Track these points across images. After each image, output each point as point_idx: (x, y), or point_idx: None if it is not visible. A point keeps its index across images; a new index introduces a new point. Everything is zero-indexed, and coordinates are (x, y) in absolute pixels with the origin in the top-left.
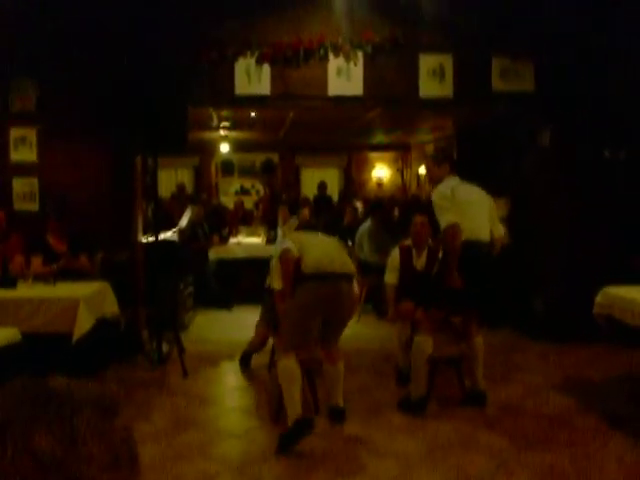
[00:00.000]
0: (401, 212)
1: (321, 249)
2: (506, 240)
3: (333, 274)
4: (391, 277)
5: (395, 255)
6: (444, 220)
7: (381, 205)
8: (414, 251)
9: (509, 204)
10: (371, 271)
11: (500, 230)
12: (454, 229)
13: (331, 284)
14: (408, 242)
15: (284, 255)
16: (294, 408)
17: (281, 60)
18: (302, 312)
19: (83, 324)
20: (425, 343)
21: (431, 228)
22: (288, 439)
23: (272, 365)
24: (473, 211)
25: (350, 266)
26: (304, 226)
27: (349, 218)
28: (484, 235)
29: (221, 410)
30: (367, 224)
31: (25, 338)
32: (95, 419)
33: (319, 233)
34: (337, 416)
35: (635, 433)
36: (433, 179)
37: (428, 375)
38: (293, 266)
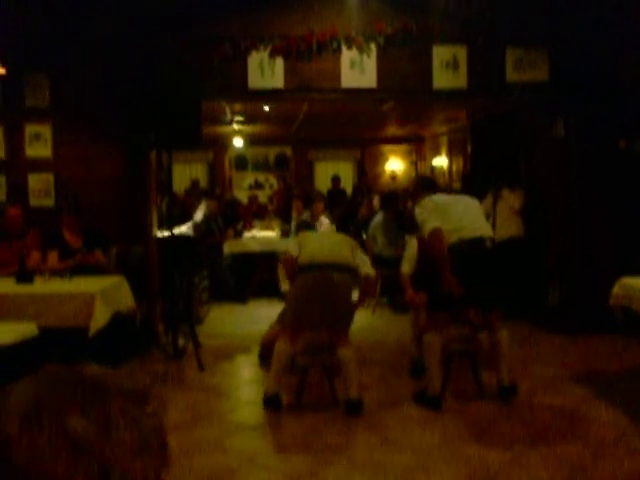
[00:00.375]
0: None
1: (318, 243)
2: (519, 233)
3: (324, 263)
4: (407, 267)
5: (413, 245)
6: (427, 229)
7: (393, 198)
8: None
9: (523, 196)
10: (385, 264)
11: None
12: (436, 233)
13: (321, 273)
14: None
15: (283, 258)
16: (274, 384)
17: (294, 53)
18: (295, 299)
19: (99, 319)
20: (434, 341)
21: None
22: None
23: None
24: (460, 211)
25: (346, 257)
26: (301, 225)
27: (364, 212)
28: (482, 231)
29: (237, 403)
30: (379, 217)
31: (42, 333)
32: (127, 405)
33: (325, 232)
34: (352, 408)
35: None
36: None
37: (443, 370)
38: (292, 265)
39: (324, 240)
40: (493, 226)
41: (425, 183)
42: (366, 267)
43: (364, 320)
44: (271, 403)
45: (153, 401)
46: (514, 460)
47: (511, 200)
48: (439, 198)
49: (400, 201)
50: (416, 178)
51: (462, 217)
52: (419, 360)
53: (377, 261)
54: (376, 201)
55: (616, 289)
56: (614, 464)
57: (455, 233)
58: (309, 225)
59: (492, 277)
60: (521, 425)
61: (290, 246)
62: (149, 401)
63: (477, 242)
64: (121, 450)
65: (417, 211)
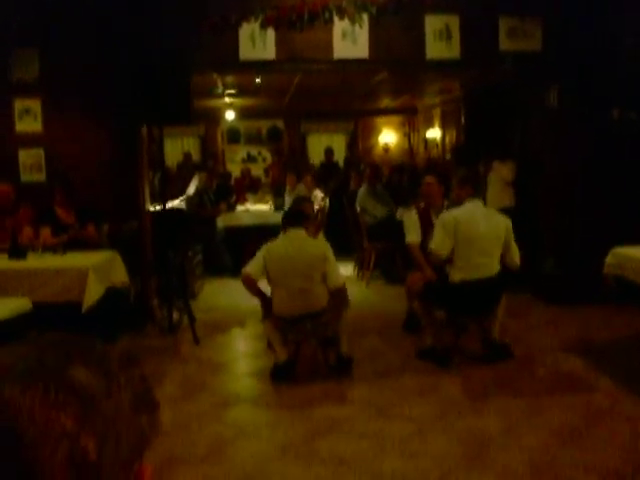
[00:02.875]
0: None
1: (286, 281)
2: (518, 266)
3: (296, 317)
4: (413, 236)
5: (412, 215)
6: (436, 243)
7: (373, 168)
8: (432, 211)
9: (515, 167)
10: (378, 237)
11: (514, 257)
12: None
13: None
14: (422, 204)
15: (243, 276)
16: (281, 353)
17: (285, 24)
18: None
19: (93, 293)
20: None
21: (443, 188)
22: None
23: None
24: (474, 248)
25: (316, 301)
26: (298, 201)
27: (354, 184)
28: (483, 273)
29: (233, 376)
30: (363, 190)
31: (36, 308)
32: (122, 366)
33: (294, 247)
34: (341, 364)
35: None
36: (453, 199)
37: (454, 333)
38: (254, 286)
39: (293, 270)
40: (484, 197)
41: (469, 178)
42: (333, 279)
43: (358, 292)
44: (283, 371)
45: (140, 366)
46: (508, 429)
47: (503, 172)
48: (462, 216)
49: (393, 173)
50: (459, 169)
51: (472, 256)
52: (415, 315)
53: (369, 234)
54: (367, 173)
55: (609, 258)
56: (607, 431)
57: (460, 272)
58: (305, 200)
59: (491, 300)
60: (516, 395)
61: (253, 266)
62: (138, 365)
63: (479, 284)
64: (121, 406)
65: (440, 218)
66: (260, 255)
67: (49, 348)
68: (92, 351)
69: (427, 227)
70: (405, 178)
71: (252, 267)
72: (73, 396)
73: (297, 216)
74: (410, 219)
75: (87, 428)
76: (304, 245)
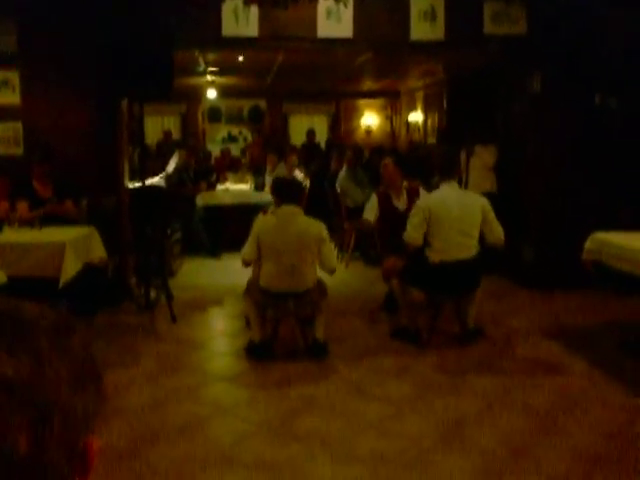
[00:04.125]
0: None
1: (277, 259)
2: (502, 242)
3: (282, 293)
4: (370, 214)
5: (373, 199)
6: (409, 231)
7: (355, 151)
8: (392, 194)
9: (496, 152)
10: (357, 218)
11: (496, 234)
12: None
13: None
14: (382, 188)
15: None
16: (258, 331)
17: (269, 1)
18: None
19: (69, 268)
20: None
21: (400, 169)
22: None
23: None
24: (451, 229)
25: (304, 280)
26: (277, 183)
27: (334, 166)
28: (462, 253)
29: (210, 354)
30: (343, 172)
31: (11, 282)
32: (55, 338)
33: (290, 221)
34: (316, 349)
35: (621, 378)
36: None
37: (432, 314)
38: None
39: (285, 246)
40: (466, 182)
41: (446, 165)
42: (328, 260)
43: (337, 273)
44: (256, 350)
45: (80, 332)
46: (484, 410)
47: (484, 156)
48: (435, 200)
49: (373, 155)
50: (438, 153)
51: (449, 237)
52: (392, 295)
53: (349, 214)
54: (349, 156)
55: (588, 244)
56: (583, 415)
57: (438, 253)
58: (282, 180)
59: (471, 281)
60: (493, 376)
61: (248, 249)
62: (76, 332)
63: (459, 265)
64: (58, 386)
65: (416, 205)
66: (253, 234)
67: None
68: (17, 330)
69: (385, 209)
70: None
71: (247, 252)
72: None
73: (293, 192)
74: (371, 202)
75: (16, 423)
76: (300, 222)
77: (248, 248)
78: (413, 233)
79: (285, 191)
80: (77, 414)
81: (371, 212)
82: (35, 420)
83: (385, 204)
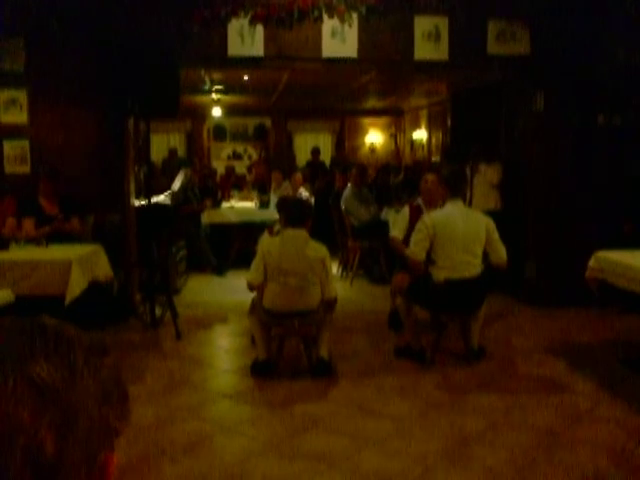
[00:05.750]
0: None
1: (282, 282)
2: (505, 263)
3: (286, 313)
4: (396, 231)
5: (405, 212)
6: (411, 246)
7: (359, 169)
8: (425, 210)
9: (501, 170)
10: (362, 236)
11: (500, 254)
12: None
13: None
14: (417, 202)
15: (249, 282)
16: (263, 350)
17: (275, 21)
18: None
19: (76, 286)
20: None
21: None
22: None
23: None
24: (457, 247)
25: (309, 301)
26: (282, 203)
27: (339, 184)
28: (467, 272)
29: (215, 372)
30: (347, 191)
31: (18, 301)
32: (89, 355)
33: (294, 245)
34: (320, 367)
35: (625, 396)
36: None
37: (436, 332)
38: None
39: (291, 270)
40: (470, 200)
41: (453, 183)
42: (327, 290)
43: (342, 291)
44: (261, 368)
45: (112, 355)
46: (488, 428)
47: (488, 174)
48: (440, 217)
49: (379, 174)
50: (448, 169)
51: (454, 255)
52: (398, 313)
53: (354, 233)
54: (353, 174)
55: (592, 262)
56: (587, 433)
57: (443, 271)
58: (289, 201)
59: (476, 300)
60: (496, 394)
61: (254, 272)
62: (108, 353)
63: (464, 283)
64: (86, 397)
65: (420, 221)
66: (258, 256)
67: (12, 339)
68: (57, 341)
69: (416, 223)
70: (391, 178)
71: (254, 277)
72: (31, 390)
73: (300, 216)
74: (400, 215)
75: (45, 422)
76: (305, 247)
77: (255, 272)
78: (414, 247)
79: (293, 213)
80: (101, 426)
81: (400, 225)
82: (62, 422)
83: (417, 218)
